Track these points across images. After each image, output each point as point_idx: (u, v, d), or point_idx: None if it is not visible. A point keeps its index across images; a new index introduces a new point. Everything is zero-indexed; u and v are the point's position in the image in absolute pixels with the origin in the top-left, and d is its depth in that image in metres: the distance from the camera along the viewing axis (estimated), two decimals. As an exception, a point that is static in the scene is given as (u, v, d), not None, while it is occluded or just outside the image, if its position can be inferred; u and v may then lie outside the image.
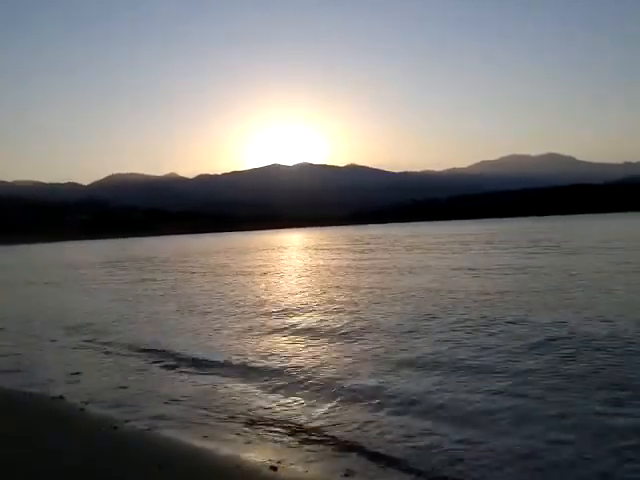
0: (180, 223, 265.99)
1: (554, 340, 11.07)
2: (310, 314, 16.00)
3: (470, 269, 26.45)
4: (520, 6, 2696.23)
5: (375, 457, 6.41)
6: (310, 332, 13.38)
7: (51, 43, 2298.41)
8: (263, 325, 14.90)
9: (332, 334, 12.97)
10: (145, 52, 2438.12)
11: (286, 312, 16.78)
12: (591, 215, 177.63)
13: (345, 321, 14.48)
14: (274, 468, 6.14)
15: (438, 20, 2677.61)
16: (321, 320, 14.97)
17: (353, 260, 39.21)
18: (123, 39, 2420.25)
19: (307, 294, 20.83)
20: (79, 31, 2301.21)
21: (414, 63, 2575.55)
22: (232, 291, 23.56)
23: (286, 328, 14.25)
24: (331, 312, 16.10)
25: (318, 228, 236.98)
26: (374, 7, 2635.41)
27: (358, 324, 13.94)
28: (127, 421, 8.00)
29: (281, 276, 29.90)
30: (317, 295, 20.18)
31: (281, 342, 12.71)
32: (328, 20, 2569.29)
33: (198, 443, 7.06)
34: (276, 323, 15.10)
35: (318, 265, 36.68)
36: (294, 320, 15.28)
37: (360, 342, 12.06)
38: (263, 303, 19.05)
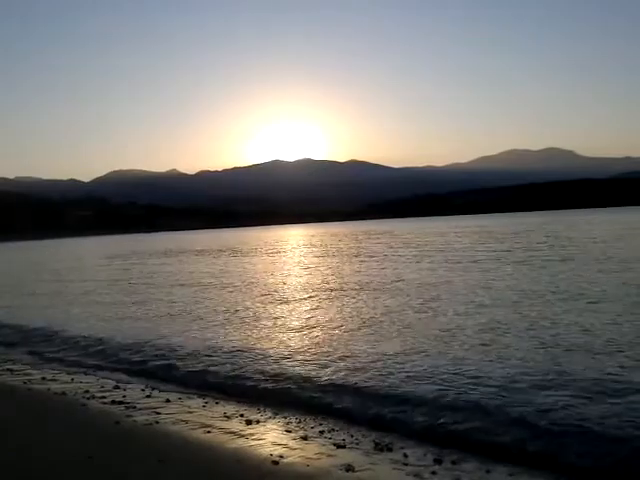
0: (181, 219, 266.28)
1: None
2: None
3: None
4: (520, 1, 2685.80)
5: (375, 450, 6.49)
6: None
7: (52, 40, 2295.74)
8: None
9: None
10: (145, 48, 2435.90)
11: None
12: (592, 210, 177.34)
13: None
14: (276, 462, 6.17)
15: (438, 17, 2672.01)
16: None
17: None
18: (124, 35, 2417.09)
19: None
20: (80, 28, 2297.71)
21: (414, 59, 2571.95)
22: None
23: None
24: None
25: (319, 224, 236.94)
26: (375, 4, 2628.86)
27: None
28: (129, 416, 8.05)
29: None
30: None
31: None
32: (329, 17, 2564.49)
33: (200, 437, 7.11)
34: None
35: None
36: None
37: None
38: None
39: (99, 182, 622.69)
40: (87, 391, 9.53)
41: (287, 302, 18.10)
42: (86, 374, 11.05)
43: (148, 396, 9.19)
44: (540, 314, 13.14)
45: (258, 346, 11.78)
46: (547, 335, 10.98)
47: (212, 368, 10.46)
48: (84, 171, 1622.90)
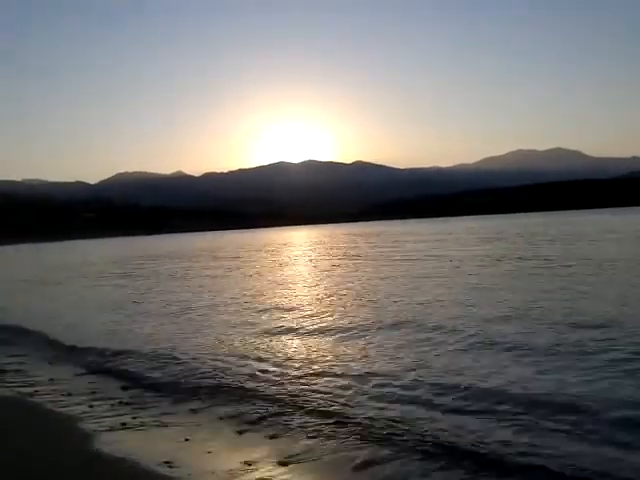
0: (187, 221, 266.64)
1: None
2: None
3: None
4: (524, 1, 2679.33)
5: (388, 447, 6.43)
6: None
7: (57, 42, 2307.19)
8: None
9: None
10: (150, 50, 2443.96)
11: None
12: (600, 210, 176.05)
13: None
14: (284, 464, 6.19)
15: (443, 17, 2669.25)
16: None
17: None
18: (128, 37, 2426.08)
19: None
20: (85, 29, 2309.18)
21: (420, 60, 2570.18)
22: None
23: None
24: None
25: (325, 225, 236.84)
26: (378, 5, 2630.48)
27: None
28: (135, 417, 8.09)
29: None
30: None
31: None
32: (333, 18, 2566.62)
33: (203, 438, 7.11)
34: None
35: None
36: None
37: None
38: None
39: (105, 184, 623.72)
40: (94, 392, 9.57)
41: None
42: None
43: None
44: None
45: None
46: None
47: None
48: (90, 173, 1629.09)
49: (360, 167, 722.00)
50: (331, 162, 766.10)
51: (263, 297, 19.69)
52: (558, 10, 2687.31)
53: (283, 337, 12.76)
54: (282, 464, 6.14)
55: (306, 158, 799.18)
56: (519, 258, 28.57)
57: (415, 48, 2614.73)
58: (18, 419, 8.19)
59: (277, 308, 16.89)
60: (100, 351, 12.41)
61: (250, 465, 6.15)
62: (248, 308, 17.24)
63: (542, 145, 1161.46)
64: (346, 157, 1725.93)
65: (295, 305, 17.29)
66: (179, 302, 19.71)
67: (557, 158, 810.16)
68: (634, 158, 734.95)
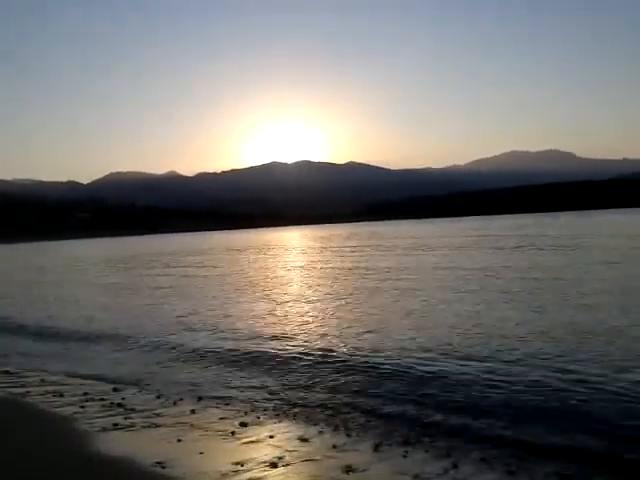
0: (180, 221, 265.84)
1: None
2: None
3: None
4: (520, 2, 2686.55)
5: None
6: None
7: (50, 41, 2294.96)
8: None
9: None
10: (145, 51, 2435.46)
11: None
12: (590, 211, 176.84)
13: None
14: (274, 465, 6.20)
15: (436, 19, 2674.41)
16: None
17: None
18: (123, 37, 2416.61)
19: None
20: (79, 29, 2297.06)
21: (413, 61, 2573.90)
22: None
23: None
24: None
25: (317, 226, 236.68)
26: (373, 5, 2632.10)
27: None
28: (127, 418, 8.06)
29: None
30: None
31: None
32: (327, 19, 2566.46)
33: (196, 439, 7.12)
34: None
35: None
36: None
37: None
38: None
39: (98, 184, 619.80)
40: (86, 393, 9.55)
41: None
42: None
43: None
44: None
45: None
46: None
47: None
48: (83, 173, 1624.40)
49: (352, 168, 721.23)
50: (324, 163, 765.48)
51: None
52: (558, 10, 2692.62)
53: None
54: (273, 465, 6.17)
55: (299, 159, 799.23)
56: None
57: (412, 48, 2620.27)
58: (16, 419, 8.24)
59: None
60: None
61: (242, 466, 6.19)
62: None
63: (535, 147, 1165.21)
64: (339, 158, 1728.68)
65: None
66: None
67: (550, 160, 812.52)
68: (624, 160, 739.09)
